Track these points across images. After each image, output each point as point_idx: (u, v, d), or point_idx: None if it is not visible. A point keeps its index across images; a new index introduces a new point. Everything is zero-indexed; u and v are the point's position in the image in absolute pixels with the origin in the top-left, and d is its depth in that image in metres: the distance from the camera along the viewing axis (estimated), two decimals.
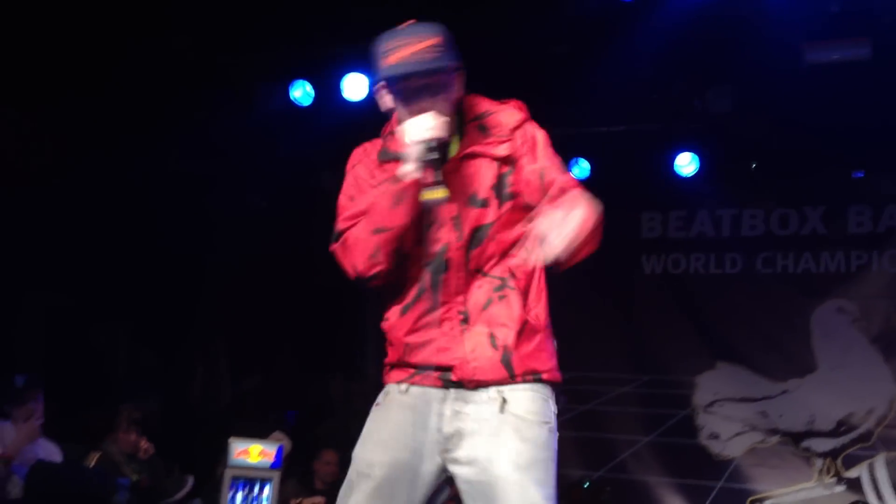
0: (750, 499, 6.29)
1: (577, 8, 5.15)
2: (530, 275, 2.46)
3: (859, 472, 6.13)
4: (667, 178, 6.37)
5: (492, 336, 2.44)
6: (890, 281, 6.27)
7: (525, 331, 2.42)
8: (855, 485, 6.12)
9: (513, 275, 2.46)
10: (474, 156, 2.44)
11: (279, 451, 5.44)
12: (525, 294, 2.45)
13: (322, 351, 7.18)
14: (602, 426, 6.70)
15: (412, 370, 2.45)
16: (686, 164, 6.25)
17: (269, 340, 7.04)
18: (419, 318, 2.46)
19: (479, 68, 5.43)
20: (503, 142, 2.45)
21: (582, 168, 6.41)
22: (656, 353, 6.65)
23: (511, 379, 2.40)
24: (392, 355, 2.52)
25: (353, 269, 2.45)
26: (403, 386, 2.45)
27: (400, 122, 2.47)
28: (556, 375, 2.45)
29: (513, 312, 2.45)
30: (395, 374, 2.50)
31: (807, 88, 5.39)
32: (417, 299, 2.47)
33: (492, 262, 2.48)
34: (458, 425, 2.38)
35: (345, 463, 2.55)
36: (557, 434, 2.36)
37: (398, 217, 2.40)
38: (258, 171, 6.70)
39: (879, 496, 5.94)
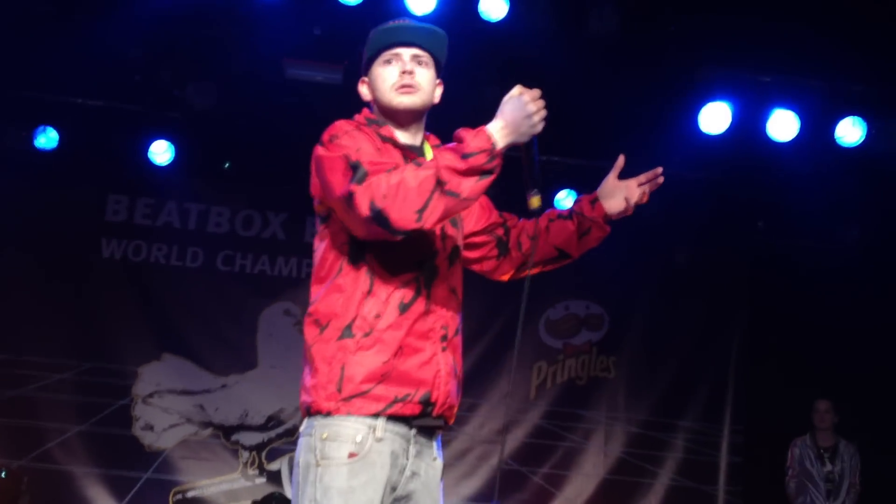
0: (174, 489, 6.38)
1: None
2: None
3: (280, 464, 6.54)
4: (139, 163, 6.25)
5: (456, 364, 2.40)
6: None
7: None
8: (275, 477, 6.53)
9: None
10: None
11: None
12: None
13: None
14: (33, 413, 6.32)
15: (390, 399, 2.28)
16: (161, 152, 6.18)
17: None
18: (415, 320, 2.34)
19: None
20: None
21: (49, 138, 6.03)
22: (103, 340, 6.46)
23: (455, 412, 2.43)
24: (374, 369, 2.28)
25: (393, 215, 2.17)
26: (378, 428, 2.28)
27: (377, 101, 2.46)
28: None
29: (461, 349, 2.45)
30: (371, 403, 2.28)
31: (285, 101, 5.72)
32: (416, 300, 2.35)
33: (459, 289, 2.43)
34: (410, 488, 2.37)
35: None
36: None
37: (477, 190, 2.24)
38: None
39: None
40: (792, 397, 6.57)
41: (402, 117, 2.48)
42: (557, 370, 7.02)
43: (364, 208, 2.18)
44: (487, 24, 5.18)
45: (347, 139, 2.32)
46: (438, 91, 2.53)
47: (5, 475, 5.96)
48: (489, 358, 6.81)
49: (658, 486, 6.89)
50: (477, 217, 2.61)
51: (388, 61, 2.47)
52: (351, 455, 2.24)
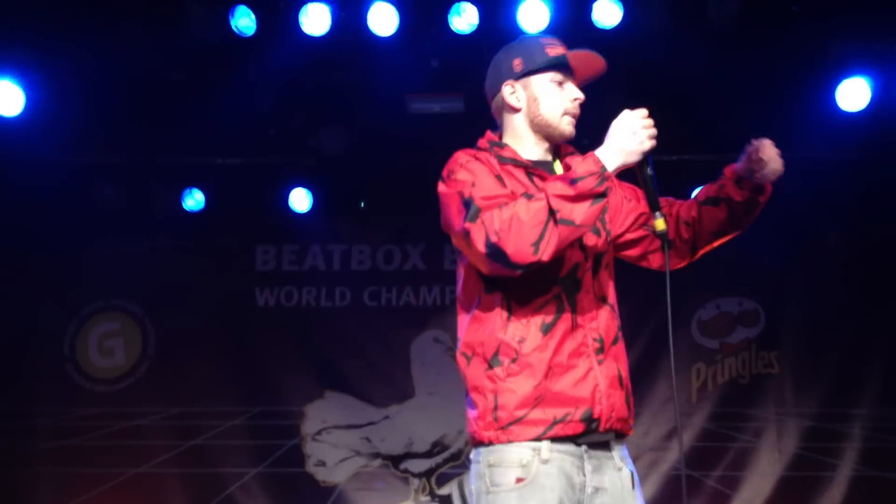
0: None
1: (196, 36, 5.12)
2: None
3: (450, 489, 6.60)
4: (281, 212, 6.48)
5: (619, 373, 2.36)
6: None
7: (630, 378, 2.45)
8: (446, 501, 6.59)
9: (620, 317, 2.46)
10: None
11: None
12: None
13: None
14: (210, 461, 6.58)
15: (549, 421, 2.27)
16: (300, 199, 6.40)
17: None
18: (563, 338, 2.31)
19: (93, 90, 5.32)
20: None
21: (196, 200, 6.33)
22: (268, 384, 6.68)
23: (628, 424, 2.37)
24: (526, 394, 2.27)
25: (509, 249, 2.17)
26: (544, 450, 2.27)
27: (540, 115, 2.44)
28: None
29: (626, 355, 2.44)
30: (529, 427, 2.28)
31: (410, 134, 5.83)
32: (559, 318, 2.32)
33: (612, 295, 2.43)
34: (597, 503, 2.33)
35: None
36: None
37: (591, 216, 2.22)
38: None
39: None
40: None
41: (554, 139, 2.51)
42: (717, 371, 6.82)
43: (480, 245, 2.20)
44: (603, 31, 5.12)
45: (464, 173, 2.34)
46: None
47: None
48: (644, 363, 6.66)
49: (840, 478, 6.57)
50: (623, 216, 2.57)
51: (561, 83, 2.49)
52: (518, 480, 2.25)
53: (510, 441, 2.27)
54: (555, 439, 2.28)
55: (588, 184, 2.20)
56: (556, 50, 2.50)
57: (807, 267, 6.68)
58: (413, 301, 6.86)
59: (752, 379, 6.77)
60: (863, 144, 5.90)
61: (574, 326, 2.33)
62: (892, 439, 6.59)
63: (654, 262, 2.60)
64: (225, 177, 6.27)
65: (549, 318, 2.31)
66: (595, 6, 5.07)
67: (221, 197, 6.37)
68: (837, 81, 5.37)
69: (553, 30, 5.04)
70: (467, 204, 2.25)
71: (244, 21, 5.10)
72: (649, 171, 2.33)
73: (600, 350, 2.34)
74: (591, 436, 2.32)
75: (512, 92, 2.50)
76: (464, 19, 5.07)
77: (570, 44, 2.62)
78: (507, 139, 2.53)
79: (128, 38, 5.10)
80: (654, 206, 2.36)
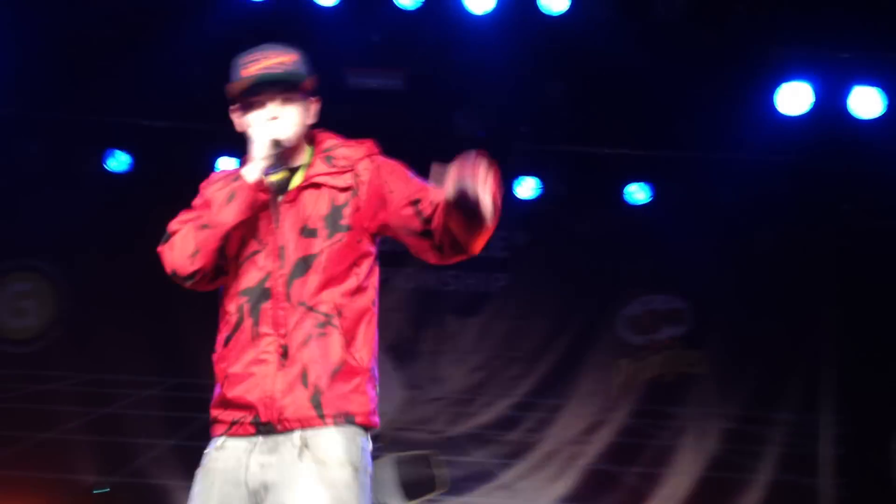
0: None
1: None
2: (360, 315, 2.42)
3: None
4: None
5: (304, 374, 2.38)
6: (402, 297, 6.76)
7: (342, 371, 2.37)
8: None
9: (339, 313, 2.39)
10: (314, 185, 2.42)
11: None
12: (350, 334, 2.39)
13: None
14: (122, 430, 6.43)
15: (228, 422, 2.42)
16: (228, 168, 6.25)
17: None
18: (241, 349, 2.41)
19: (20, 42, 5.09)
20: (344, 172, 2.43)
21: (120, 161, 6.15)
22: (188, 356, 6.47)
23: (321, 420, 2.35)
24: (215, 397, 2.47)
25: (172, 265, 2.40)
26: (220, 441, 2.43)
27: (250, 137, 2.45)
28: (373, 420, 2.43)
29: (331, 351, 2.38)
30: (217, 426, 2.46)
31: (347, 109, 5.70)
32: (237, 328, 2.42)
33: (317, 297, 2.39)
34: (263, 478, 2.37)
35: None
36: (370, 474, 2.38)
37: (228, 214, 2.37)
38: None
39: (385, 493, 6.40)
40: (892, 383, 6.31)
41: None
42: (642, 367, 6.84)
43: (165, 265, 2.45)
44: (549, 17, 5.07)
45: (198, 198, 2.57)
46: (314, 109, 2.63)
47: (99, 492, 6.10)
48: (568, 358, 6.68)
49: (757, 481, 6.64)
50: (392, 206, 2.36)
51: (262, 103, 2.54)
52: (200, 467, 2.44)
53: (212, 437, 2.47)
54: (233, 436, 2.43)
55: (220, 187, 2.43)
56: (249, 70, 2.52)
57: (736, 269, 6.71)
58: None
59: (676, 377, 6.80)
60: (798, 148, 5.95)
61: (255, 336, 2.40)
62: (810, 445, 6.68)
63: (427, 258, 2.41)
64: (151, 140, 6.07)
65: (229, 331, 2.43)
66: None
67: (147, 160, 6.20)
68: (777, 85, 5.40)
69: (498, 14, 4.99)
70: (167, 230, 2.54)
71: None
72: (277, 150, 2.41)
73: (284, 355, 2.38)
74: (268, 434, 2.40)
75: (238, 119, 2.58)
76: None
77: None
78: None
79: None
80: (272, 172, 2.41)
